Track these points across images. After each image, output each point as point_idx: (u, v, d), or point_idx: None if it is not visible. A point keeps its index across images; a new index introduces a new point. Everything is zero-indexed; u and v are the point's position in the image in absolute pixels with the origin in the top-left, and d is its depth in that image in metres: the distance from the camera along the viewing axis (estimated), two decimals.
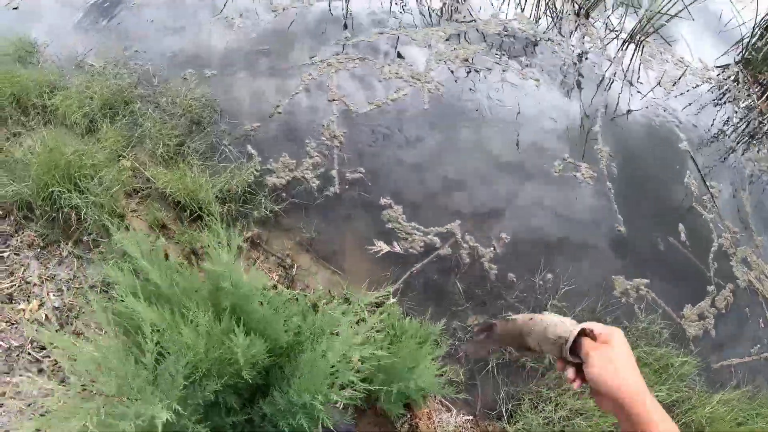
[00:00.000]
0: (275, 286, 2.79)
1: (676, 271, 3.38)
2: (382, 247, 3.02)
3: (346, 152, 3.27)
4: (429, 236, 3.13)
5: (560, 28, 4.32)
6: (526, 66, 3.98)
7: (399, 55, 3.80)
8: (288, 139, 3.33)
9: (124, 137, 3.37)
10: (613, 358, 0.85)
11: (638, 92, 4.15)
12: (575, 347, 0.90)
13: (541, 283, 3.15)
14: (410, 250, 3.07)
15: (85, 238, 2.87)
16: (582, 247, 3.31)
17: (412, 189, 3.25)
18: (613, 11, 4.49)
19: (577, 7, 4.42)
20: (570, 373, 0.91)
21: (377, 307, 2.92)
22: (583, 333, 0.90)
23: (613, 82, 4.10)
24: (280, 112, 3.45)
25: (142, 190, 3.13)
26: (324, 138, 3.32)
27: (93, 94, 3.55)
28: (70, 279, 2.72)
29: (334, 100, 3.49)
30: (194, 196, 2.98)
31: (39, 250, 2.84)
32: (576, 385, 0.91)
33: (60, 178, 2.90)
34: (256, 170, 3.16)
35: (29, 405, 2.20)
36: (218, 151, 3.26)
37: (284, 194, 3.11)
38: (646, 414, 0.81)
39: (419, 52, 3.86)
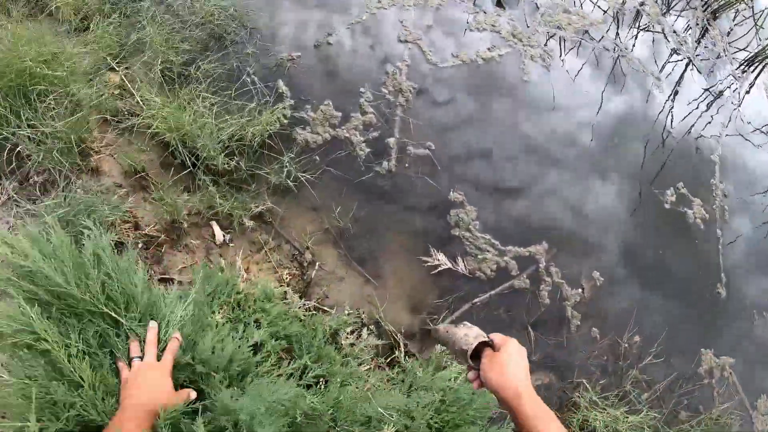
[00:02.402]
0: (284, 294, 1.73)
1: (762, 354, 2.38)
2: (440, 260, 1.96)
3: (413, 116, 2.17)
4: (505, 258, 2.07)
5: (687, 24, 3.13)
6: (641, 57, 2.83)
7: (499, 3, 2.64)
8: (335, 81, 2.22)
9: (119, 43, 2.24)
10: (501, 363, 0.88)
11: (749, 124, 2.97)
12: (479, 354, 0.96)
13: (626, 346, 2.13)
14: (477, 272, 2.02)
15: (36, 178, 1.79)
16: (677, 305, 2.29)
17: (495, 187, 2.17)
18: (734, 23, 3.26)
19: (704, 2, 3.21)
20: (471, 375, 0.96)
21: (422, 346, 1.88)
22: (484, 344, 0.97)
23: (738, 106, 2.94)
24: (330, 43, 2.32)
25: (127, 119, 2.02)
26: (386, 90, 2.21)
27: None
28: None
29: (407, 41, 2.36)
30: (191, 139, 1.89)
31: None
32: (475, 385, 0.94)
33: (8, 91, 1.81)
34: (285, 116, 2.06)
35: None
36: (238, 81, 2.14)
37: (317, 158, 2.02)
38: (523, 410, 0.82)
39: (524, 4, 2.69)
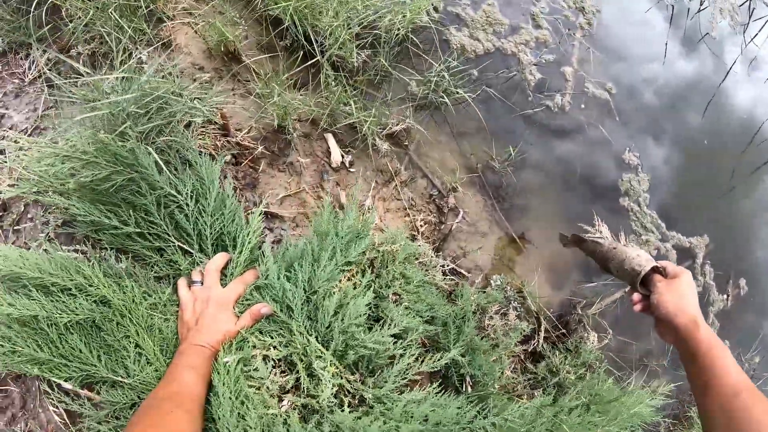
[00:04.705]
0: (413, 239, 1.19)
1: None
2: (603, 234, 1.43)
3: (595, 47, 1.56)
4: (666, 244, 1.55)
5: None
6: None
7: None
8: None
9: None
10: (677, 290, 0.82)
11: None
12: (646, 280, 0.88)
13: (747, 365, 1.71)
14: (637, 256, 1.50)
15: (81, 48, 1.18)
16: None
17: (677, 157, 1.61)
18: None
19: None
20: (635, 296, 0.89)
21: (564, 334, 1.38)
22: (655, 269, 0.88)
23: None
24: None
25: None
26: (564, 4, 1.57)
27: None
28: (28, 130, 1.07)
29: None
30: (313, 16, 1.27)
31: None
32: (637, 308, 0.88)
33: None
34: (436, 9, 1.44)
35: None
36: None
37: (474, 73, 1.42)
38: (698, 339, 0.74)
39: None
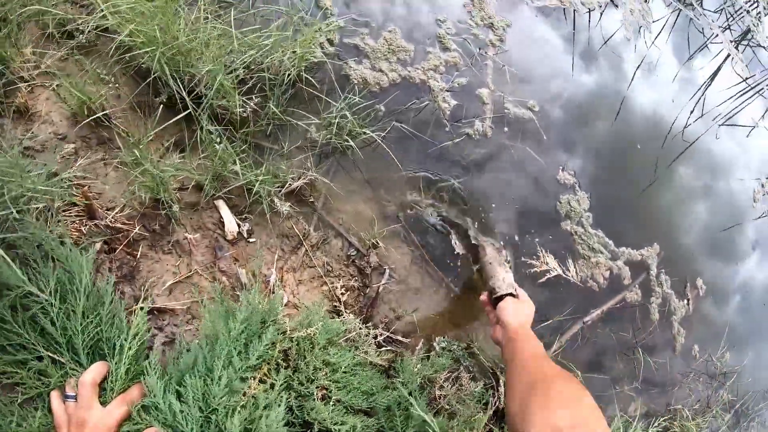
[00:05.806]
0: (337, 313, 0.97)
1: None
2: (549, 265, 1.26)
3: (510, 63, 1.41)
4: (618, 262, 1.41)
5: None
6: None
7: None
8: (405, 2, 1.40)
9: None
10: (519, 307, 1.00)
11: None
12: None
13: (718, 364, 1.59)
14: (589, 282, 1.35)
15: None
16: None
17: (614, 166, 1.48)
18: None
19: None
20: (484, 297, 1.07)
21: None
22: (510, 294, 1.04)
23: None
24: None
25: (78, 29, 1.13)
26: (471, 22, 1.43)
27: None
28: None
29: None
30: (187, 63, 1.05)
31: None
32: (483, 298, 1.07)
33: None
34: (331, 42, 1.26)
35: None
36: None
37: (381, 108, 1.23)
38: (514, 331, 0.93)
39: None
